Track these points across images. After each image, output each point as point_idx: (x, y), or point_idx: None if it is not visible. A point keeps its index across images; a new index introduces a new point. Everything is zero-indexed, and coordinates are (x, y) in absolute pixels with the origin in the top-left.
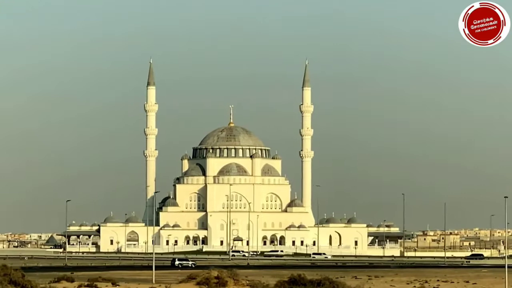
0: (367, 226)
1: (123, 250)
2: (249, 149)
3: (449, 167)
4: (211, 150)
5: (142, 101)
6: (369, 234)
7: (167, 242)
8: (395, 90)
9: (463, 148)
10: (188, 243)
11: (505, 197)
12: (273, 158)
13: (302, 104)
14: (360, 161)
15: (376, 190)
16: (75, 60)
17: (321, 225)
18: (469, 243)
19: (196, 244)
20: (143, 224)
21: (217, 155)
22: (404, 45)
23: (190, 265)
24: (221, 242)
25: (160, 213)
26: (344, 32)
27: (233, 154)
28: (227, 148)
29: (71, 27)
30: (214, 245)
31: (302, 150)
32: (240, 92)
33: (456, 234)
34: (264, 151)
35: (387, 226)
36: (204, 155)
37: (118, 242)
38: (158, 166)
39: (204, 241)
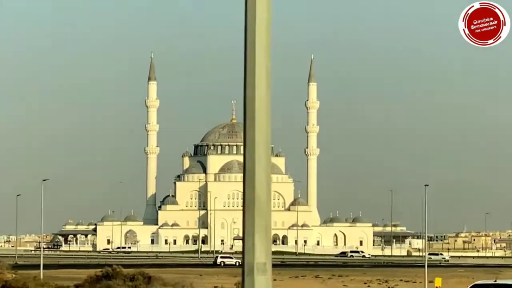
0: (373, 226)
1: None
2: None
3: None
4: (212, 147)
5: (143, 96)
6: (375, 234)
7: (166, 241)
8: (400, 88)
9: (481, 147)
10: (187, 242)
11: (425, 185)
12: (276, 155)
13: (307, 100)
14: (367, 158)
15: (383, 190)
16: (75, 57)
17: (325, 225)
18: (501, 245)
19: (196, 244)
20: (141, 223)
21: (219, 152)
22: (404, 45)
23: (234, 263)
24: (222, 241)
25: (159, 211)
26: (347, 30)
27: (234, 151)
28: (228, 145)
29: (69, 24)
30: (214, 244)
31: (307, 148)
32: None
33: (489, 236)
34: None
35: (394, 225)
36: (205, 152)
37: (112, 242)
38: (158, 163)
39: (204, 240)
